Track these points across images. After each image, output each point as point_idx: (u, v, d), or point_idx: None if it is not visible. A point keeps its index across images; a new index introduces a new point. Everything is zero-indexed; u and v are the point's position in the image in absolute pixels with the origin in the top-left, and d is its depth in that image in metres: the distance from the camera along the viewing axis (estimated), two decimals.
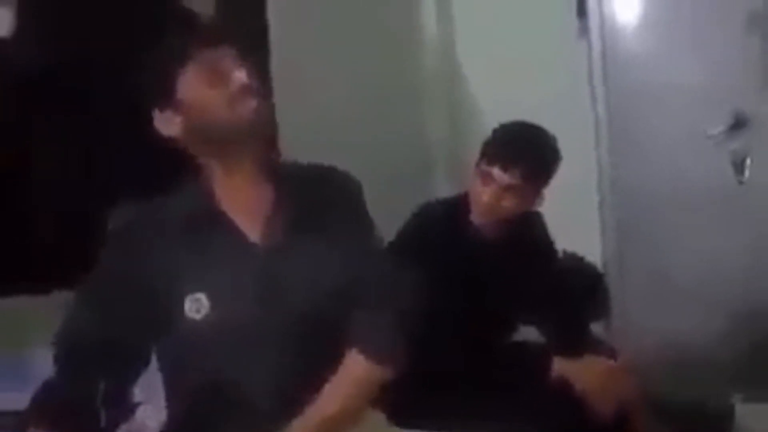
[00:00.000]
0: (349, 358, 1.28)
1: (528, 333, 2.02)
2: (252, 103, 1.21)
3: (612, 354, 1.86)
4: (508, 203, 1.74)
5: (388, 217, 1.50)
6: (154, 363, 1.31)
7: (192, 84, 1.23)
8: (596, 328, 2.09)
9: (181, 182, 1.30)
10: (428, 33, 3.00)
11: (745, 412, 2.18)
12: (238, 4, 1.89)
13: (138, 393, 1.41)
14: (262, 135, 1.26)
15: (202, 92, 1.22)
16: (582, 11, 2.71)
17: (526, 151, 1.74)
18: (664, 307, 2.63)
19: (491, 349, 1.77)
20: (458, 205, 1.82)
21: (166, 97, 1.24)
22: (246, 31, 1.88)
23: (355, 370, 1.28)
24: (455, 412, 1.59)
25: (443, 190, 2.68)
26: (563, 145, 1.81)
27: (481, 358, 1.71)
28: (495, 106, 2.78)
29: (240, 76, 1.21)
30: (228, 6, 1.78)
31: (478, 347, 1.72)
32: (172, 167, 1.25)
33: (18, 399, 1.26)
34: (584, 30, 2.71)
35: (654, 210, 2.67)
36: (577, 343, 1.85)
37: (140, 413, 1.50)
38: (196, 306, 1.20)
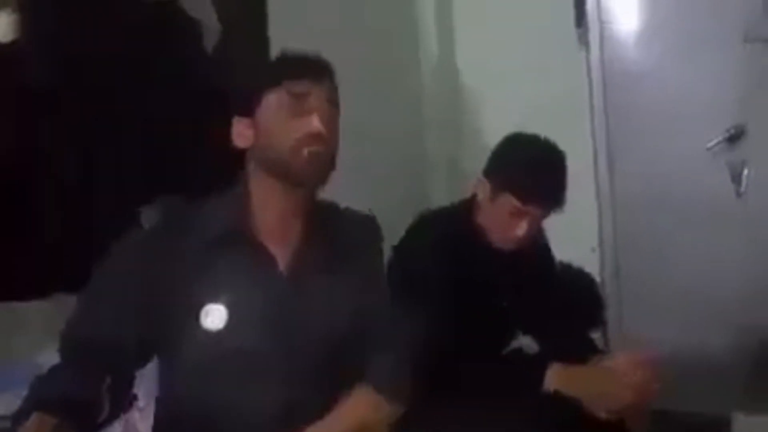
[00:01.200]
0: (360, 390, 1.28)
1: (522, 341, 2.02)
2: (317, 151, 1.24)
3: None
4: (535, 230, 1.77)
5: (387, 226, 1.51)
6: (149, 368, 1.30)
7: (273, 107, 1.26)
8: (594, 338, 2.09)
9: (219, 193, 1.32)
10: (428, 42, 3.01)
11: (741, 423, 2.18)
12: (238, 12, 1.90)
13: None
14: (315, 182, 1.28)
15: (278, 119, 1.26)
16: (580, 22, 2.73)
17: (559, 184, 1.74)
18: (662, 319, 2.64)
19: (490, 358, 1.77)
20: (460, 214, 1.82)
21: (247, 109, 1.28)
22: (246, 39, 1.90)
23: (365, 401, 1.27)
24: (452, 419, 1.59)
25: (442, 199, 2.69)
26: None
27: (480, 367, 1.71)
28: (493, 115, 2.80)
29: (316, 120, 1.24)
30: (228, 14, 1.79)
31: (478, 356, 1.72)
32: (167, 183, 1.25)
33: (11, 402, 1.26)
34: (583, 41, 2.73)
35: (652, 221, 2.68)
36: (574, 352, 1.84)
37: (133, 415, 1.49)
38: (213, 316, 1.21)
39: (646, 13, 2.69)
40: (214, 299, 1.21)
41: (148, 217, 1.27)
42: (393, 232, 1.81)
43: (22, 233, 1.54)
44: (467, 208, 1.82)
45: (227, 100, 1.34)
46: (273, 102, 1.26)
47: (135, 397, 1.38)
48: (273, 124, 1.25)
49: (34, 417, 1.11)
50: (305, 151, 1.23)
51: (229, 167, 1.34)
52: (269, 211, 1.29)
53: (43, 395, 1.15)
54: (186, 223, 1.26)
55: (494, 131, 1.86)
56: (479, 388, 1.65)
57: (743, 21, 2.47)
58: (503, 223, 1.74)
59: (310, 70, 1.29)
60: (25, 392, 1.17)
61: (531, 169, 1.72)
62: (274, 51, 2.05)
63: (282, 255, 1.28)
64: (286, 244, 1.29)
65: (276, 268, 1.27)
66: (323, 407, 1.24)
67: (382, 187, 2.47)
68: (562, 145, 1.80)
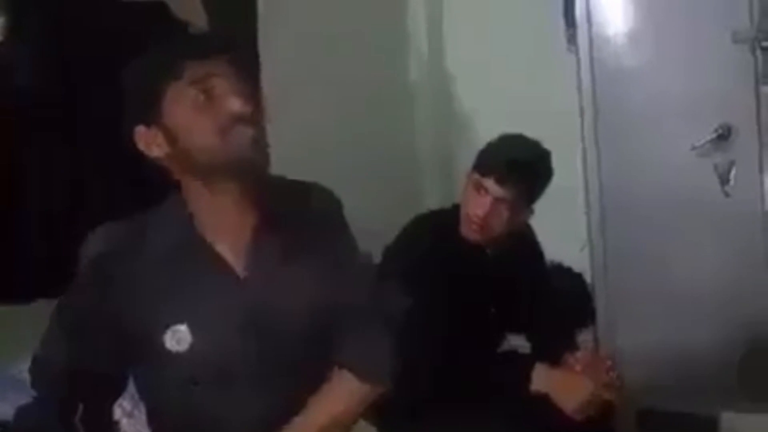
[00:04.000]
0: (338, 376, 1.24)
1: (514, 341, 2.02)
2: (247, 133, 1.10)
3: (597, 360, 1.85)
4: (500, 217, 1.73)
5: (379, 226, 1.50)
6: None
7: (179, 104, 1.11)
8: (584, 341, 2.09)
9: (161, 204, 1.22)
10: (418, 42, 3.01)
11: (729, 422, 2.19)
12: (228, 13, 1.88)
13: (125, 405, 1.39)
14: (256, 166, 1.14)
15: (190, 116, 1.10)
16: (570, 22, 2.73)
17: (523, 166, 1.72)
18: (650, 318, 2.64)
19: (480, 359, 1.77)
20: (452, 216, 1.81)
21: (149, 114, 1.13)
22: (236, 41, 1.88)
23: (344, 387, 1.24)
24: (442, 421, 1.59)
25: (434, 199, 2.69)
26: (552, 156, 1.81)
27: (470, 368, 1.71)
28: (484, 115, 2.81)
29: (234, 102, 1.10)
30: (219, 16, 1.78)
31: (468, 357, 1.72)
32: (151, 185, 1.20)
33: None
34: (572, 40, 2.73)
35: (640, 220, 2.68)
36: (561, 352, 1.85)
37: (121, 421, 1.48)
38: (177, 338, 1.14)
39: (636, 13, 2.69)
40: (175, 319, 1.15)
41: (86, 247, 1.19)
42: (384, 233, 1.80)
43: (5, 237, 1.52)
44: (458, 211, 1.82)
45: None
46: (177, 96, 1.11)
47: (115, 424, 1.37)
48: (186, 122, 1.11)
49: None
50: (234, 136, 1.09)
51: None
52: (216, 215, 1.18)
53: None
54: (131, 244, 1.17)
55: (485, 132, 1.86)
56: (464, 388, 1.65)
57: (731, 22, 2.47)
58: (470, 204, 1.73)
59: (206, 48, 1.14)
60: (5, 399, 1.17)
61: (498, 147, 1.75)
62: (264, 52, 2.05)
63: (236, 256, 1.19)
64: (239, 242, 1.19)
65: (232, 274, 1.18)
66: (305, 399, 1.21)
67: (374, 188, 2.47)
68: (550, 145, 1.81)
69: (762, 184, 2.52)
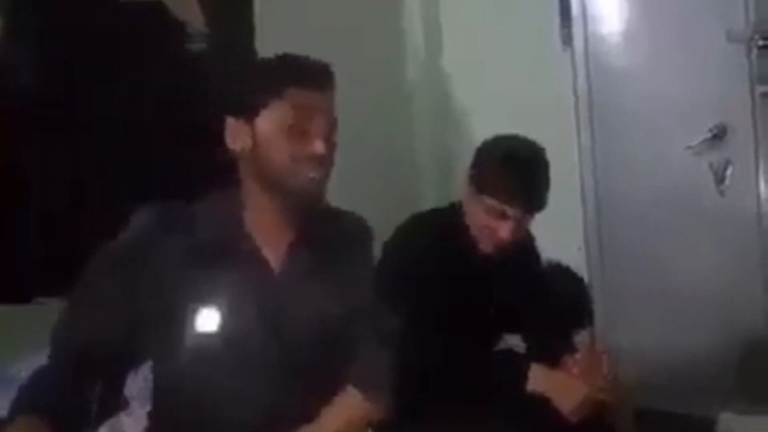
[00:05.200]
0: (346, 393, 1.30)
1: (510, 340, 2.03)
2: (315, 173, 1.22)
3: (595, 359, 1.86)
4: (520, 232, 1.76)
5: (376, 226, 1.50)
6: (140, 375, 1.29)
7: (274, 118, 1.22)
8: (580, 342, 2.10)
9: (210, 196, 1.30)
10: (415, 42, 3.01)
11: (727, 423, 2.20)
12: (225, 14, 1.89)
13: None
14: (309, 202, 1.26)
15: (278, 133, 1.22)
16: (566, 23, 2.74)
17: (541, 186, 1.73)
18: (647, 318, 2.65)
19: (477, 359, 1.77)
20: (450, 216, 1.82)
21: (247, 112, 1.23)
22: (233, 41, 1.89)
23: (351, 404, 1.29)
24: (441, 421, 1.60)
25: (432, 198, 2.69)
26: (547, 155, 1.82)
27: (467, 368, 1.72)
28: (481, 114, 2.81)
29: (319, 146, 1.21)
30: (216, 17, 1.78)
31: (465, 357, 1.73)
32: (151, 184, 1.22)
33: None
34: (568, 41, 2.74)
35: (636, 220, 2.69)
36: (559, 352, 1.85)
37: (122, 418, 1.48)
38: (205, 320, 1.20)
39: (630, 13, 2.70)
40: (206, 303, 1.21)
41: (136, 221, 1.24)
42: (380, 233, 1.80)
43: (4, 237, 1.52)
44: (456, 210, 1.82)
45: (214, 103, 1.32)
46: (276, 113, 1.22)
47: (127, 402, 1.37)
48: (273, 136, 1.22)
49: (21, 420, 1.10)
50: (305, 175, 1.22)
51: (217, 171, 1.30)
52: (262, 217, 1.28)
53: (32, 399, 1.14)
54: (175, 227, 1.24)
55: (481, 131, 1.86)
56: (463, 388, 1.66)
57: (726, 22, 2.48)
58: (486, 225, 1.74)
59: (316, 79, 1.26)
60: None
61: (510, 170, 1.71)
62: (261, 53, 2.05)
63: (274, 258, 1.28)
64: (278, 247, 1.29)
65: (269, 270, 1.27)
66: (313, 407, 1.25)
67: (371, 188, 2.47)
68: (547, 145, 1.80)
69: (757, 183, 2.53)
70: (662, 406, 2.31)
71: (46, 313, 1.26)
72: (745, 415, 2.12)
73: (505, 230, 1.72)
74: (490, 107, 2.75)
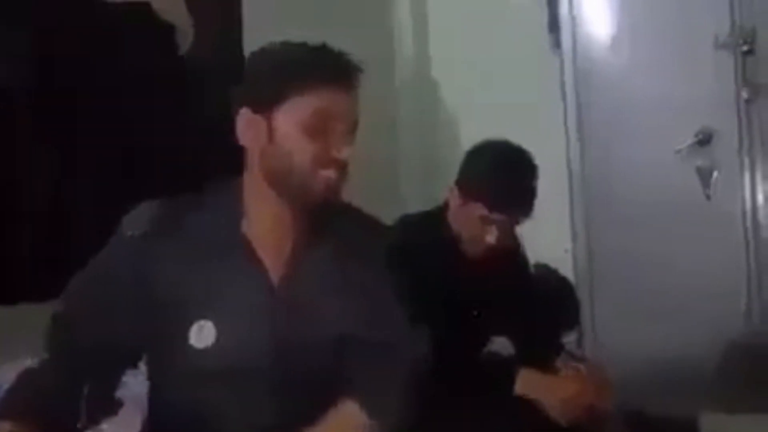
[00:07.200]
0: (345, 406, 1.20)
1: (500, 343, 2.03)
2: (333, 176, 1.15)
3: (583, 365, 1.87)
4: (507, 238, 1.76)
5: None
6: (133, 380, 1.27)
7: (294, 116, 1.14)
8: (568, 342, 2.11)
9: (209, 197, 1.23)
10: (403, 46, 3.01)
11: (710, 423, 2.21)
12: (213, 16, 1.88)
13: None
14: (322, 204, 1.17)
15: (298, 132, 1.14)
16: (554, 27, 2.75)
17: (526, 191, 1.73)
18: (634, 320, 2.66)
19: (463, 361, 1.77)
20: (437, 219, 1.82)
21: (263, 105, 1.15)
22: (221, 41, 1.88)
23: (348, 417, 1.19)
24: (428, 422, 1.59)
25: (417, 201, 2.68)
26: (535, 158, 1.82)
27: (455, 370, 1.72)
28: (469, 118, 2.82)
29: (342, 151, 1.14)
30: (204, 19, 1.78)
31: (451, 359, 1.72)
32: (145, 183, 1.20)
33: None
34: (556, 45, 2.75)
35: (623, 223, 2.70)
36: (547, 354, 1.86)
37: (112, 425, 1.46)
38: (202, 334, 1.14)
39: (618, 18, 2.72)
40: (204, 314, 1.15)
41: (131, 222, 1.19)
42: None
43: None
44: (442, 213, 1.83)
45: (203, 103, 1.29)
46: (297, 110, 1.13)
47: (121, 404, 1.34)
48: (294, 135, 1.13)
49: (6, 425, 1.07)
50: (323, 176, 1.14)
51: (208, 171, 1.27)
52: (265, 220, 1.20)
53: (21, 402, 1.11)
54: (174, 229, 1.17)
55: (469, 134, 1.87)
56: (450, 392, 1.65)
57: (713, 27, 2.50)
58: (474, 230, 1.74)
59: (343, 76, 1.17)
60: None
61: (498, 176, 1.71)
62: (248, 50, 2.04)
63: (275, 266, 1.20)
64: (281, 251, 1.20)
65: (267, 281, 1.19)
66: (313, 419, 1.18)
67: (356, 188, 2.46)
68: (535, 148, 1.81)
69: (742, 188, 2.55)
70: (648, 407, 2.31)
71: (31, 316, 1.24)
72: (728, 414, 2.13)
73: (492, 235, 1.72)
74: (478, 110, 2.76)
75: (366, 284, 1.24)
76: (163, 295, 1.15)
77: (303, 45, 1.20)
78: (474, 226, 1.74)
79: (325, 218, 1.22)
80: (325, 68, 1.16)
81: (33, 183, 1.60)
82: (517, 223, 1.78)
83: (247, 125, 1.17)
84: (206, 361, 1.14)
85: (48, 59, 1.57)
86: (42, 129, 1.59)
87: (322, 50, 1.18)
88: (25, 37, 1.54)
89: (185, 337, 1.14)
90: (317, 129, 1.14)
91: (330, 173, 1.15)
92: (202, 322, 1.14)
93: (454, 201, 1.78)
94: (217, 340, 1.14)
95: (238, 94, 1.18)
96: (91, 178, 1.62)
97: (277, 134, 1.15)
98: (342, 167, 1.16)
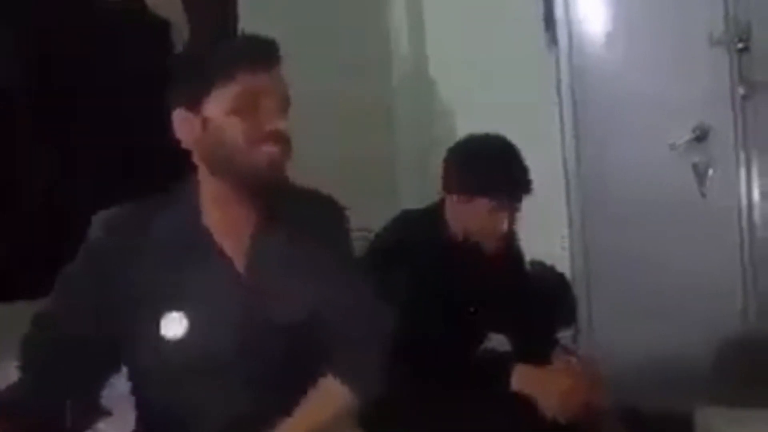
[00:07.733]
0: (325, 383, 1.23)
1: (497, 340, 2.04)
2: (274, 151, 1.17)
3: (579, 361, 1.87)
4: (515, 221, 1.81)
5: (358, 225, 1.50)
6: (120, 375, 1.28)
7: (223, 102, 1.17)
8: (564, 339, 2.11)
9: (169, 191, 1.26)
10: (399, 44, 3.02)
11: (705, 418, 2.21)
12: (208, 13, 1.88)
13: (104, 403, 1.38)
14: (270, 182, 1.20)
15: (230, 115, 1.17)
16: (550, 24, 2.76)
17: (524, 169, 1.79)
18: (630, 316, 2.67)
19: (457, 358, 1.78)
20: (435, 215, 1.83)
21: (192, 101, 1.18)
22: (216, 40, 1.87)
23: (331, 394, 1.23)
24: (424, 418, 1.60)
25: (414, 199, 2.69)
26: (531, 155, 1.83)
27: (452, 366, 1.72)
28: (465, 116, 2.82)
29: (277, 122, 1.17)
30: (199, 16, 1.77)
31: (447, 355, 1.73)
32: (145, 182, 1.21)
33: None
34: (552, 42, 2.76)
35: (620, 220, 2.71)
36: (543, 350, 1.87)
37: (102, 427, 1.46)
38: (173, 325, 1.17)
39: (614, 15, 2.72)
40: (173, 307, 1.17)
41: (98, 225, 1.21)
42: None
43: None
44: (440, 211, 1.83)
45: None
46: (223, 97, 1.16)
47: (107, 412, 1.35)
48: (223, 119, 1.17)
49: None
50: (262, 152, 1.16)
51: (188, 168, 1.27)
52: (222, 209, 1.23)
53: (5, 408, 1.12)
54: (141, 228, 1.20)
55: (465, 132, 1.87)
56: (445, 388, 1.66)
57: (708, 23, 2.51)
58: (482, 222, 1.78)
59: (261, 58, 1.19)
60: None
61: (482, 160, 1.78)
62: None
63: (238, 253, 1.23)
64: (242, 239, 1.23)
65: (233, 269, 1.22)
66: (292, 402, 1.20)
67: (353, 186, 2.47)
68: (531, 145, 1.83)
69: (738, 184, 2.56)
70: (643, 403, 2.32)
71: (30, 314, 1.24)
72: (723, 408, 2.14)
73: (504, 222, 1.77)
74: (475, 108, 2.76)
75: (328, 263, 1.26)
76: (132, 292, 1.18)
77: (222, 40, 1.26)
78: (482, 219, 1.77)
79: (279, 203, 1.25)
80: (241, 55, 1.19)
81: (32, 182, 1.60)
82: (519, 201, 1.80)
83: (181, 123, 1.21)
84: (180, 352, 1.16)
85: (46, 59, 1.57)
86: (40, 128, 1.59)
87: (238, 39, 1.24)
88: (23, 36, 1.54)
89: (157, 330, 1.17)
90: (245, 108, 1.17)
91: (270, 147, 1.17)
92: (174, 314, 1.17)
93: (454, 202, 1.79)
94: (190, 330, 1.17)
95: (170, 96, 1.22)
96: (89, 177, 1.62)
97: (209, 124, 1.18)
98: (281, 140, 1.18)
